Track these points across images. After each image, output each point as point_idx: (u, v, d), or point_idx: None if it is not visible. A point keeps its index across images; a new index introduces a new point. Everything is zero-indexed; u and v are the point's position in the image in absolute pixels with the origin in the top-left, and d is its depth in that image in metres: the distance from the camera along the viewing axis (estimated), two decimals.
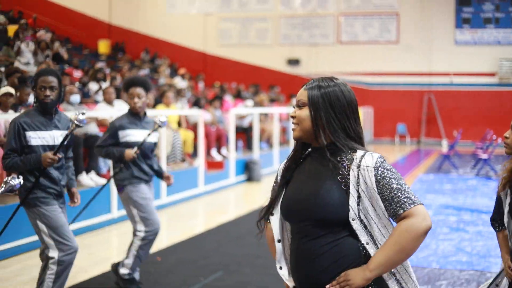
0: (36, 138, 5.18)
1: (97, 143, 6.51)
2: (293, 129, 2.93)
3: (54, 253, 5.29)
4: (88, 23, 29.96)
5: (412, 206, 2.69)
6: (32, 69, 16.08)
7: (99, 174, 10.26)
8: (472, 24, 25.76)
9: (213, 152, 14.51)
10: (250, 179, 14.94)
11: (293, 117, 2.91)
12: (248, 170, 15.00)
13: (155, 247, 8.33)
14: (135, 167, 6.43)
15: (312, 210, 2.79)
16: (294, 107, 2.93)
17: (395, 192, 2.71)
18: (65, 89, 10.50)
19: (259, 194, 13.53)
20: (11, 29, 22.72)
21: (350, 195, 2.75)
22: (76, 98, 10.75)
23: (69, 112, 10.25)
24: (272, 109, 17.76)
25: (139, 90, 6.42)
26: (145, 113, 6.59)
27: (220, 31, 28.46)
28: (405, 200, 2.70)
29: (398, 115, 26.73)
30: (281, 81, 26.34)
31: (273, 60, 27.63)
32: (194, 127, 13.60)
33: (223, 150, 14.91)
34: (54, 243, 5.28)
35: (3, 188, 4.43)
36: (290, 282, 2.96)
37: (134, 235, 6.46)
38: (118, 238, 9.38)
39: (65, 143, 5.21)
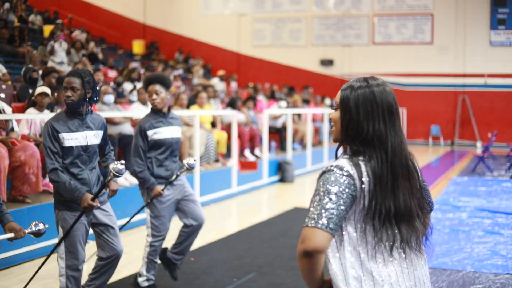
0: (69, 139, 5.19)
1: (133, 153, 6.43)
2: (331, 131, 2.93)
3: (62, 263, 5.33)
4: (123, 24, 30.22)
5: (304, 225, 2.61)
6: (66, 69, 16.25)
7: (133, 174, 10.34)
8: (508, 25, 25.52)
9: (247, 152, 14.54)
10: (283, 180, 14.95)
11: (330, 119, 2.90)
12: (281, 171, 15.02)
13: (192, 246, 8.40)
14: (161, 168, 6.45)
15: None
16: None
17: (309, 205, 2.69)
18: (100, 89, 10.60)
19: (292, 195, 13.54)
20: (47, 29, 23.02)
21: None
22: (110, 98, 10.84)
23: (103, 112, 10.41)
24: (306, 110, 17.75)
25: (158, 87, 6.41)
26: (169, 110, 6.58)
27: (254, 32, 28.52)
28: (307, 217, 2.63)
29: (431, 117, 26.58)
30: (314, 82, 26.35)
31: (306, 60, 27.62)
32: (228, 128, 13.64)
33: (257, 151, 14.94)
34: (64, 250, 5.31)
35: (31, 229, 4.59)
36: None
37: (145, 241, 6.58)
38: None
39: (101, 142, 5.29)
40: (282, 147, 16.28)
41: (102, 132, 5.45)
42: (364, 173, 2.66)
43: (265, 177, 14.30)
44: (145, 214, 6.69)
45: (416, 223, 2.77)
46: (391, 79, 26.19)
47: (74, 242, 5.25)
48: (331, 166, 2.67)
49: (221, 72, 23.35)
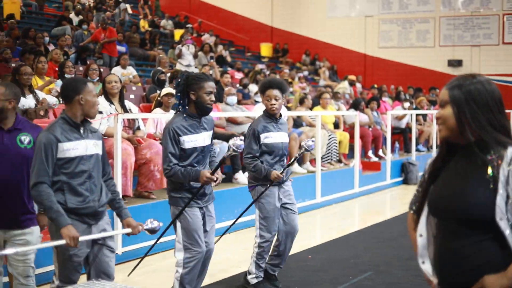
0: (189, 141, 5.40)
1: (246, 152, 6.45)
2: (439, 130, 2.92)
3: (180, 255, 5.53)
4: (251, 27, 30.68)
5: None
6: (193, 71, 16.73)
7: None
8: None
9: (370, 153, 14.50)
10: (406, 181, 14.80)
11: (438, 118, 2.92)
12: (404, 172, 14.88)
13: (306, 244, 8.50)
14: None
15: (456, 208, 2.77)
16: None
17: None
18: (223, 90, 10.87)
19: None
20: (177, 33, 23.76)
21: (498, 194, 2.69)
22: (233, 99, 11.09)
23: (226, 112, 10.67)
24: (430, 111, 17.48)
25: (276, 92, 6.39)
26: (280, 115, 6.59)
27: (380, 33, 28.29)
28: None
29: None
30: (442, 83, 25.55)
31: (433, 61, 27.13)
32: (351, 129, 13.65)
33: (380, 152, 14.86)
34: (182, 245, 5.51)
35: (147, 226, 4.82)
36: (434, 278, 2.91)
37: (254, 242, 6.62)
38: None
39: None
40: (406, 148, 16.11)
41: (212, 132, 5.64)
42: None
43: (388, 178, 14.20)
44: (253, 216, 6.79)
45: None
46: None
47: (192, 235, 5.46)
48: None
49: (351, 76, 23.31)
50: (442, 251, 2.86)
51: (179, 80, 5.39)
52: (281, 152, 6.52)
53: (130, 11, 27.07)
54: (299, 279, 6.93)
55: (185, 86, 5.41)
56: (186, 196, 5.48)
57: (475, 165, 2.77)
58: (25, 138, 4.95)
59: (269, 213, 6.47)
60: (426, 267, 2.94)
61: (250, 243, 7.63)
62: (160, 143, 8.67)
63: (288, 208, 6.60)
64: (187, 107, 5.46)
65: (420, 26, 27.47)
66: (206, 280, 5.93)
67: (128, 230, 4.83)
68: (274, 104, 6.40)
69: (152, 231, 4.92)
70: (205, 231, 5.59)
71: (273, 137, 6.45)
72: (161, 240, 8.07)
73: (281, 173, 6.34)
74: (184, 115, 5.45)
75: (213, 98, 5.44)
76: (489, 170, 2.72)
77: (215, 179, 5.30)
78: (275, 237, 6.61)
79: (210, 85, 5.43)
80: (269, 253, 6.66)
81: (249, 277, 6.63)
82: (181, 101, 5.47)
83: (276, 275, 6.74)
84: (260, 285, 6.62)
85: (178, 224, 5.54)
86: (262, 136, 6.39)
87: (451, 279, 2.82)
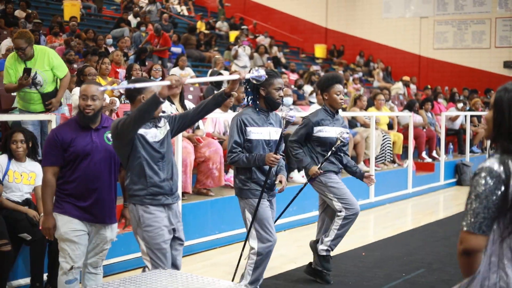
0: (255, 133, 5.68)
1: (292, 136, 6.70)
2: (484, 129, 3.09)
3: (254, 244, 5.75)
4: (306, 28, 30.78)
5: (460, 229, 2.77)
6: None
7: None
8: None
9: (424, 154, 14.56)
10: (460, 182, 14.81)
11: (484, 118, 3.07)
12: (458, 173, 14.89)
13: (361, 242, 8.66)
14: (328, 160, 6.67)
15: None
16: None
17: None
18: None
19: None
20: (233, 35, 24.02)
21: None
22: (288, 100, 11.29)
23: (280, 112, 10.86)
24: (485, 113, 17.42)
25: (342, 87, 6.71)
26: (337, 110, 6.78)
27: (435, 34, 28.16)
28: (463, 220, 2.77)
29: None
30: (497, 85, 24.96)
31: (489, 63, 26.88)
32: (405, 129, 13.73)
33: (434, 153, 14.90)
34: (256, 233, 5.73)
35: (252, 74, 5.01)
36: None
37: (336, 216, 6.65)
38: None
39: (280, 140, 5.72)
40: (460, 149, 16.10)
41: (281, 130, 5.87)
42: None
43: (441, 179, 14.23)
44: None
45: None
46: None
47: (263, 224, 5.71)
48: (481, 168, 2.81)
49: (406, 78, 23.31)
50: None
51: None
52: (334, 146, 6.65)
53: (186, 13, 27.49)
54: (353, 275, 7.08)
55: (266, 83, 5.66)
56: (255, 188, 5.72)
57: None
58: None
59: (342, 191, 6.62)
60: None
61: (305, 240, 7.85)
62: (219, 141, 8.96)
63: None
64: (257, 102, 5.77)
65: (476, 27, 27.26)
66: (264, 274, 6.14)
67: (236, 76, 4.98)
68: (343, 99, 6.68)
69: (257, 79, 5.19)
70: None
71: (328, 131, 6.62)
72: (219, 235, 8.39)
73: (319, 169, 6.55)
74: (256, 109, 5.78)
75: (282, 94, 5.75)
76: None
77: (280, 158, 5.57)
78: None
79: (280, 82, 5.74)
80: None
81: (320, 246, 6.74)
82: (251, 96, 5.74)
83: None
84: (327, 258, 6.77)
85: (249, 215, 5.77)
86: (315, 129, 6.59)
87: None
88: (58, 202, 5.12)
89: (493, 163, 2.79)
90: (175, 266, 5.03)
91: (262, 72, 5.11)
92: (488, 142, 16.40)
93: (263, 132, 5.74)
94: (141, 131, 4.83)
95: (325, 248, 6.73)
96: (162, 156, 4.91)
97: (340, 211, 6.62)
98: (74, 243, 5.07)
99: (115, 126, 4.81)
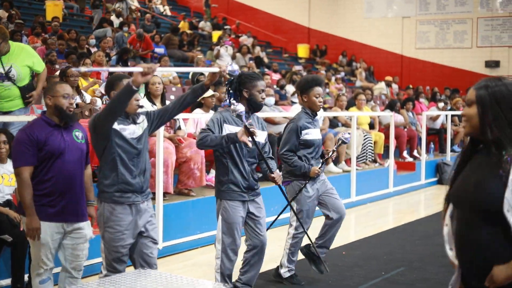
0: (233, 131, 5.66)
1: (286, 148, 6.60)
2: (463, 127, 3.16)
3: (219, 246, 5.78)
4: (288, 28, 30.85)
5: None
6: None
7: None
8: None
9: (405, 153, 14.65)
10: (441, 181, 14.91)
11: (463, 115, 3.13)
12: (439, 173, 14.99)
13: (341, 241, 8.71)
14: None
15: (472, 199, 3.00)
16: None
17: None
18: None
19: None
20: (216, 35, 24.03)
21: (508, 188, 2.88)
22: (271, 100, 11.33)
23: (264, 113, 10.90)
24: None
25: (321, 90, 6.72)
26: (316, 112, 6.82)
27: (417, 34, 28.31)
28: None
29: None
30: None
31: (471, 62, 27.06)
32: (386, 129, 13.80)
33: (415, 152, 15.00)
34: (221, 236, 5.75)
35: (228, 68, 5.07)
36: (455, 260, 3.14)
37: (287, 233, 6.87)
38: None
39: None
40: (441, 149, 16.20)
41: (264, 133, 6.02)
42: None
43: (422, 178, 14.33)
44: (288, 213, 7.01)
45: None
46: None
47: (232, 230, 5.73)
48: None
49: (388, 77, 23.44)
50: (460, 240, 3.08)
51: (232, 78, 5.61)
52: (318, 148, 6.73)
53: (169, 13, 27.48)
54: (333, 274, 7.09)
55: (238, 84, 5.68)
56: (232, 189, 5.73)
57: (492, 162, 2.98)
58: (79, 134, 5.19)
59: (304, 206, 6.68)
60: (451, 253, 3.16)
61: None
62: None
63: (328, 193, 6.82)
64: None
65: (458, 27, 27.44)
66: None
67: (216, 68, 4.99)
68: (322, 101, 6.70)
69: (231, 74, 5.21)
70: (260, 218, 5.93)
71: (312, 133, 6.65)
72: (200, 235, 8.42)
73: (320, 168, 6.59)
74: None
75: (264, 96, 5.76)
76: (503, 167, 2.93)
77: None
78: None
79: (262, 84, 5.76)
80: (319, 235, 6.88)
81: (281, 270, 6.85)
82: (233, 98, 5.69)
83: (323, 258, 6.86)
84: (293, 279, 6.85)
85: (220, 218, 5.81)
86: (303, 132, 6.58)
87: (468, 266, 3.05)
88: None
89: None
90: (148, 264, 5.01)
91: (235, 66, 5.13)
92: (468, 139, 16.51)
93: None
94: (119, 127, 4.83)
95: (286, 270, 6.85)
96: (138, 153, 4.92)
97: (290, 227, 6.79)
98: (48, 247, 5.06)
99: (93, 118, 4.85)
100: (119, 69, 4.85)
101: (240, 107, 5.26)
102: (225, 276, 5.78)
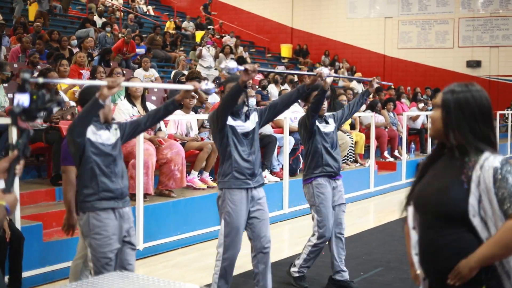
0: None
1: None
2: (429, 129, 3.24)
3: (220, 250, 5.77)
4: (272, 28, 30.92)
5: None
6: (213, 73, 16.99)
7: (272, 172, 10.81)
8: None
9: (386, 153, 14.75)
10: None
11: (430, 118, 3.22)
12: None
13: None
14: None
15: (434, 204, 3.06)
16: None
17: (509, 192, 2.89)
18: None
19: None
20: (199, 35, 24.04)
21: (471, 193, 2.95)
22: (252, 101, 11.34)
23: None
24: None
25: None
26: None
27: (400, 34, 28.47)
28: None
29: None
30: None
31: (452, 62, 27.27)
32: (367, 129, 13.88)
33: (396, 152, 15.09)
34: (223, 240, 5.72)
35: (204, 86, 4.97)
36: (419, 268, 3.22)
37: (308, 240, 6.85)
38: (289, 233, 9.94)
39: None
40: (422, 149, 16.32)
41: None
42: None
43: (403, 178, 14.42)
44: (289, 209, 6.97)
45: None
46: None
47: (234, 235, 5.70)
48: (503, 157, 2.98)
49: (359, 74, 23.62)
50: (421, 243, 3.16)
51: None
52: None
53: (152, 12, 27.47)
54: (311, 274, 7.15)
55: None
56: (237, 177, 5.67)
57: (455, 166, 3.05)
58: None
59: (326, 216, 6.69)
60: (417, 259, 3.23)
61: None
62: (181, 143, 9.04)
63: (340, 209, 6.91)
64: None
65: (439, 27, 27.63)
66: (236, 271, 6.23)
67: (190, 86, 4.99)
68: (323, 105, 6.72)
69: (206, 92, 5.17)
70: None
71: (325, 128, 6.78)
72: (181, 236, 8.47)
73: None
74: None
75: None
76: (465, 173, 3.00)
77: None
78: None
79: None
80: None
81: (292, 269, 6.90)
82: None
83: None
84: (301, 281, 6.91)
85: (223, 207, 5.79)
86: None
87: (432, 267, 3.12)
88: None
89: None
90: (126, 269, 5.03)
91: (211, 85, 5.12)
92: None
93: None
94: (93, 137, 4.87)
95: (297, 270, 6.88)
96: (114, 159, 4.94)
97: (313, 235, 6.76)
98: None
99: (67, 131, 4.88)
100: (81, 82, 4.85)
101: (231, 64, 5.19)
102: (225, 280, 5.77)
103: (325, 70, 5.91)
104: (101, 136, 4.89)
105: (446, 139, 3.11)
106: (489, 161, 2.95)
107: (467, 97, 3.04)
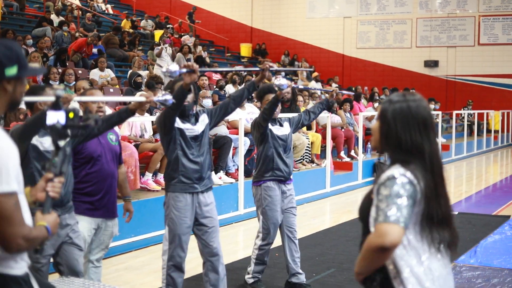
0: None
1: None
2: (371, 140, 3.26)
3: (164, 257, 5.76)
4: (231, 27, 30.96)
5: (377, 222, 2.83)
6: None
7: (227, 173, 10.84)
8: None
9: (342, 153, 14.85)
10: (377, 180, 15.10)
11: (370, 129, 3.26)
12: (376, 172, 15.22)
13: (274, 243, 8.80)
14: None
15: (358, 210, 3.13)
16: None
17: (376, 207, 2.90)
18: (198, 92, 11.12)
19: None
20: (157, 34, 23.92)
21: (373, 205, 2.96)
22: (208, 101, 11.36)
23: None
24: None
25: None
26: None
27: (358, 34, 28.69)
28: (378, 215, 2.85)
29: None
30: (418, 83, 26.26)
31: (410, 62, 27.58)
32: (324, 129, 13.96)
33: (353, 152, 15.20)
34: (167, 247, 5.72)
35: (159, 98, 4.91)
36: None
37: (254, 244, 6.91)
38: (244, 234, 9.96)
39: None
40: None
41: None
42: (420, 179, 2.92)
43: (359, 177, 14.55)
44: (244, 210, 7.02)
45: (453, 227, 3.06)
46: (497, 80, 25.84)
47: (177, 241, 5.67)
48: (397, 172, 2.91)
49: (315, 74, 23.77)
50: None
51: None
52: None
53: (111, 11, 27.28)
54: (264, 276, 7.13)
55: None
56: (183, 181, 5.63)
57: (377, 178, 3.07)
58: (113, 137, 5.65)
59: (271, 219, 6.72)
60: None
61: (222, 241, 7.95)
62: (135, 145, 9.00)
63: (289, 212, 6.93)
64: None
65: (398, 27, 27.91)
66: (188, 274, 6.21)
67: (143, 98, 5.00)
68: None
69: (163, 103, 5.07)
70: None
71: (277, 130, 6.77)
72: (134, 239, 8.44)
73: None
74: None
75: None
76: (376, 182, 3.02)
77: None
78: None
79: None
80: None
81: (246, 277, 6.94)
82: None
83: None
84: (256, 284, 6.92)
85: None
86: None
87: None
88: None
89: (402, 170, 2.91)
90: (75, 272, 5.02)
91: (168, 97, 5.04)
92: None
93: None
94: (37, 142, 4.82)
95: (251, 276, 6.92)
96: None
97: (257, 237, 6.81)
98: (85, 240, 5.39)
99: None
100: (29, 99, 4.77)
101: (173, 67, 5.05)
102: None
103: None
104: (46, 142, 4.87)
105: (382, 150, 3.12)
106: (385, 173, 2.95)
107: (403, 108, 3.01)
